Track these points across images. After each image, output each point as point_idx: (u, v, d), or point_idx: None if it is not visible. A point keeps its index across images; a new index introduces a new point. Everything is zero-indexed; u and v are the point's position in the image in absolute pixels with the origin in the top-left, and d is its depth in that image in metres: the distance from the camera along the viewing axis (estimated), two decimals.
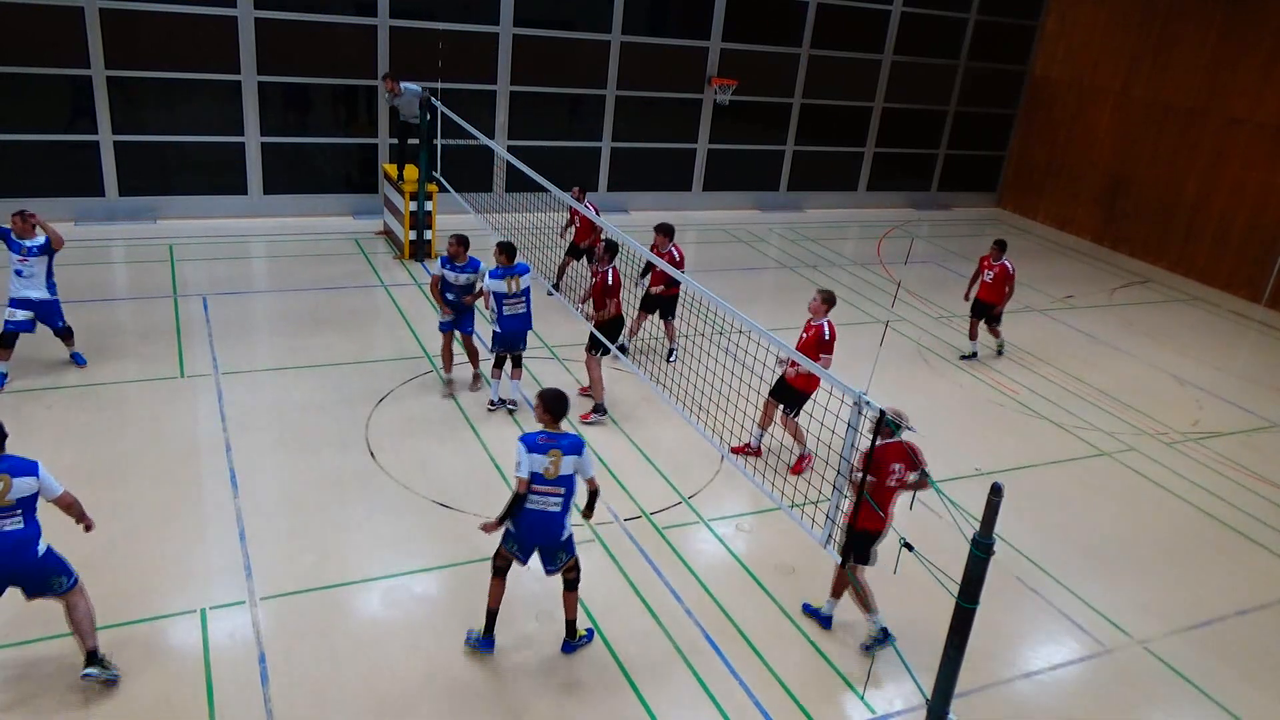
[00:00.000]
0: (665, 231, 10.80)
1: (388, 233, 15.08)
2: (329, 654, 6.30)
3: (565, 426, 6.22)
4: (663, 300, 11.09)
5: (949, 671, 4.82)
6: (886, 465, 6.29)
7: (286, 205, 15.63)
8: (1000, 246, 12.23)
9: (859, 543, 6.32)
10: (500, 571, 6.30)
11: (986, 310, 12.25)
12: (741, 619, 7.05)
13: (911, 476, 6.40)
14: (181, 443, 8.60)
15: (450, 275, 9.58)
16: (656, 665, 6.51)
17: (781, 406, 8.93)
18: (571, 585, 6.37)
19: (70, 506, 5.71)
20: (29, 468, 5.44)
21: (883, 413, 5.57)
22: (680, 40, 17.82)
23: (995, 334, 12.57)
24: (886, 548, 6.39)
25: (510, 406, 9.68)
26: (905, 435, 6.23)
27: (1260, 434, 11.34)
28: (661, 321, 11.44)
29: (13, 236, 9.22)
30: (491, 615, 6.35)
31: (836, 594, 6.89)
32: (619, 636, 6.74)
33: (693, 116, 18.31)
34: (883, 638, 6.59)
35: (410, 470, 8.48)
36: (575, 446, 6.03)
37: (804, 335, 8.86)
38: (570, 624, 6.47)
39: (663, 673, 6.46)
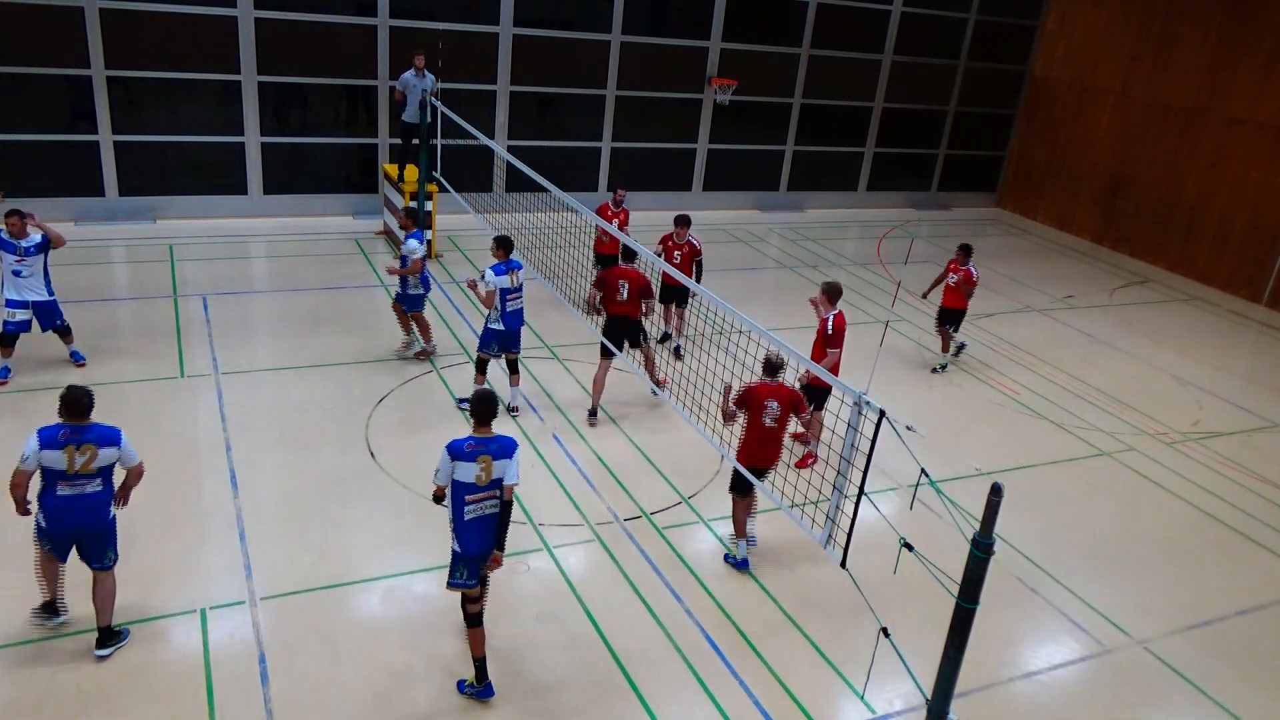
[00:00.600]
0: (683, 222, 11.30)
1: (388, 233, 15.07)
2: (329, 654, 6.30)
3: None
4: (675, 291, 11.27)
5: (949, 671, 4.81)
6: (759, 402, 7.10)
7: (286, 205, 15.62)
8: (966, 251, 11.82)
9: (736, 475, 7.33)
10: (473, 619, 5.95)
11: (955, 317, 11.92)
12: (741, 619, 7.05)
13: (795, 424, 7.07)
14: (181, 443, 8.59)
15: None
16: (656, 665, 6.51)
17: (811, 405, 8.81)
18: (475, 620, 5.96)
19: (138, 477, 6.05)
20: (114, 437, 5.81)
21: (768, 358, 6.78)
22: (680, 40, 17.82)
23: (949, 339, 12.10)
24: (886, 547, 6.38)
25: (513, 413, 9.62)
26: (905, 431, 6.21)
27: (1260, 434, 11.34)
28: (676, 312, 11.55)
29: (6, 237, 9.20)
30: (480, 662, 5.99)
31: (739, 532, 7.60)
32: (619, 636, 6.74)
33: (693, 116, 18.31)
34: (741, 564, 7.50)
35: (410, 470, 8.48)
36: (505, 450, 5.73)
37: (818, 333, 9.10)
38: (480, 663, 6.00)
39: (663, 673, 6.46)
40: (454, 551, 5.82)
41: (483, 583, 5.99)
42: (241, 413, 9.21)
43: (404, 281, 10.37)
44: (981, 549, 4.56)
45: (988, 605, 4.95)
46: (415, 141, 13.93)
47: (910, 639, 6.30)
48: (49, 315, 9.52)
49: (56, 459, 5.62)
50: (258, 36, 14.61)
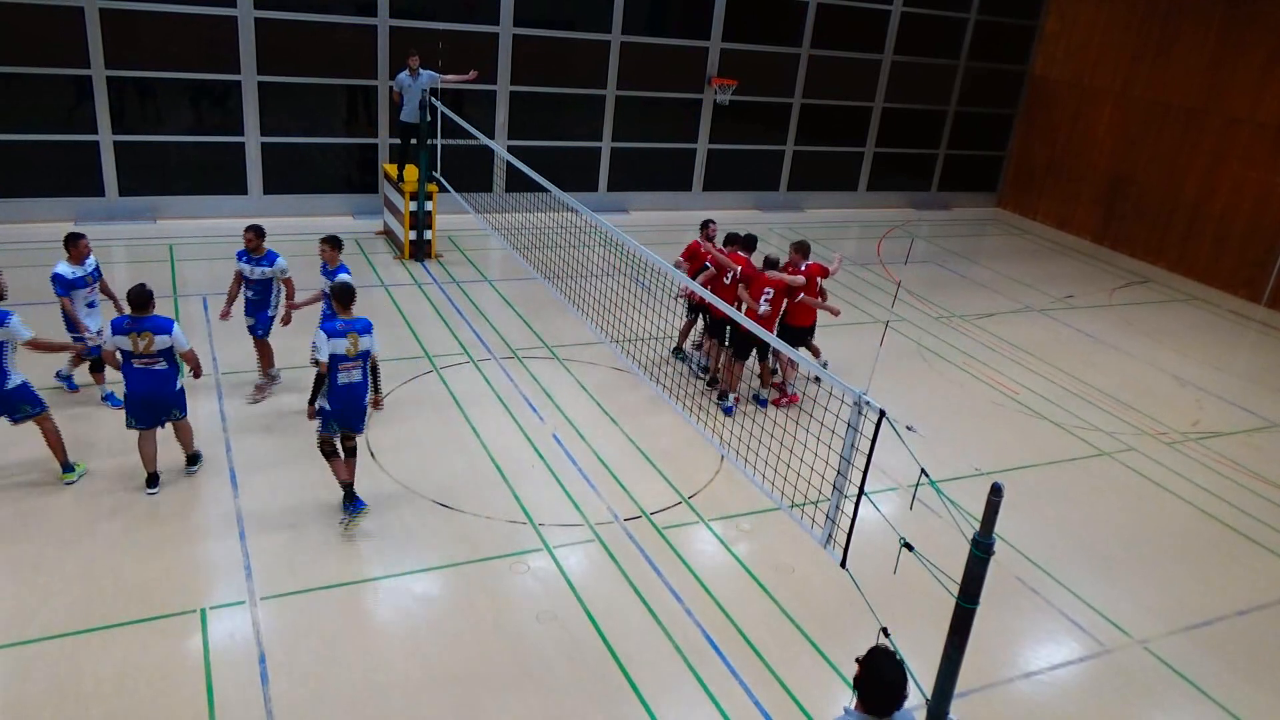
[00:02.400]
0: (802, 250, 10.43)
1: (388, 233, 15.08)
2: (329, 654, 6.30)
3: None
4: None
5: (949, 671, 4.81)
6: (759, 289, 9.40)
7: (286, 205, 15.62)
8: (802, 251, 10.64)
9: (734, 338, 9.49)
10: (331, 454, 7.52)
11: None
12: (741, 619, 7.05)
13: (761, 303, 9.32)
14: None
15: (245, 269, 9.31)
16: (656, 665, 6.52)
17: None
18: (351, 453, 7.61)
19: (193, 360, 7.78)
20: (167, 326, 7.43)
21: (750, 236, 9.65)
22: (680, 40, 17.82)
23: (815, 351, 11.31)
24: (886, 547, 6.39)
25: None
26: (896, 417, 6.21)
27: (1260, 434, 11.34)
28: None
29: (74, 270, 8.61)
30: (346, 485, 7.55)
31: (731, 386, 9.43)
32: (619, 636, 6.74)
33: (693, 116, 18.30)
34: (727, 410, 9.57)
35: (410, 470, 8.48)
36: (367, 328, 7.35)
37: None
38: (348, 487, 7.57)
39: (663, 673, 6.46)
40: (323, 413, 7.34)
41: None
42: (241, 413, 9.21)
43: (265, 306, 9.44)
44: (981, 549, 4.56)
45: (988, 605, 4.95)
46: (414, 141, 13.94)
47: (910, 639, 6.30)
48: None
49: (124, 342, 7.38)
50: (258, 36, 14.61)
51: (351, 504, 7.55)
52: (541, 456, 8.99)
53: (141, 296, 7.34)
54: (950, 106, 20.76)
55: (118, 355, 7.47)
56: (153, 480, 7.81)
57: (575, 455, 9.06)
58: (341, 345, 7.18)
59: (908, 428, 5.46)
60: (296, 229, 15.21)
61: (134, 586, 6.72)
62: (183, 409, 7.80)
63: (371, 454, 8.72)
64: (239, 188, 15.31)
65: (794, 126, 19.30)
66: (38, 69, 13.76)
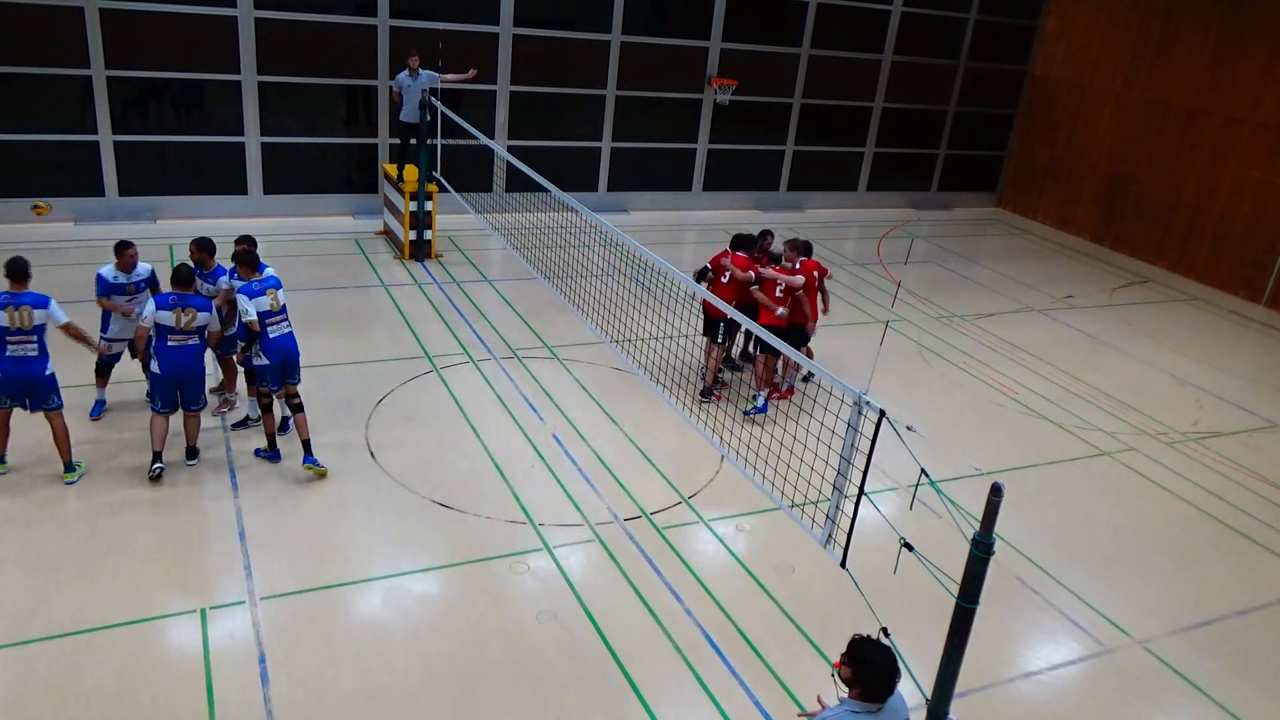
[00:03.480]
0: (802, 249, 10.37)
1: (388, 233, 15.08)
2: (329, 654, 6.30)
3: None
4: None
5: (949, 671, 4.81)
6: (718, 263, 9.99)
7: (286, 205, 15.62)
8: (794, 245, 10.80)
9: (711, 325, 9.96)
10: (270, 408, 8.09)
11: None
12: (741, 619, 7.05)
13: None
14: (181, 442, 8.57)
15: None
16: (656, 665, 6.52)
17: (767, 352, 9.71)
18: (299, 408, 8.05)
19: (217, 338, 8.34)
20: (206, 305, 7.84)
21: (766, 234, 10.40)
22: (680, 40, 17.82)
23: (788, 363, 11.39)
24: (886, 547, 6.39)
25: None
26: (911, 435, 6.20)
27: (1260, 434, 11.34)
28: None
29: (119, 275, 8.55)
30: (271, 438, 8.29)
31: (760, 384, 9.84)
32: (619, 636, 6.74)
33: (693, 116, 18.30)
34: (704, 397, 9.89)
35: (410, 470, 8.48)
36: (278, 283, 7.86)
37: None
38: (306, 443, 8.10)
39: (663, 673, 6.46)
40: (261, 369, 7.93)
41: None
42: (241, 412, 9.20)
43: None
44: (981, 549, 4.56)
45: (988, 605, 4.95)
46: (414, 141, 13.94)
47: (910, 639, 6.29)
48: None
49: (167, 318, 7.63)
50: (258, 36, 14.61)
51: (308, 456, 8.11)
52: (541, 456, 8.99)
53: (185, 274, 7.76)
54: (950, 106, 20.76)
55: (152, 332, 7.69)
56: (157, 459, 7.96)
57: (575, 455, 9.06)
58: (265, 302, 7.73)
59: (908, 428, 5.45)
60: (296, 229, 15.22)
61: (134, 586, 6.72)
62: (202, 398, 8.10)
63: (371, 454, 8.72)
64: (239, 188, 15.31)
65: (794, 126, 19.30)
66: (38, 69, 13.76)
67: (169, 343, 7.68)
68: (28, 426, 8.10)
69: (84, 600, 6.54)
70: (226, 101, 14.87)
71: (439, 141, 14.27)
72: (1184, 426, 11.27)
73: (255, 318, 7.72)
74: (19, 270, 7.57)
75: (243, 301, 7.70)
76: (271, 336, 7.81)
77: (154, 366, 7.77)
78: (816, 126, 19.52)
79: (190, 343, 7.79)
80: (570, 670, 6.40)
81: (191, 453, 8.25)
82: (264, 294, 7.78)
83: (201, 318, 7.78)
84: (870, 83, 19.71)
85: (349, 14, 15.22)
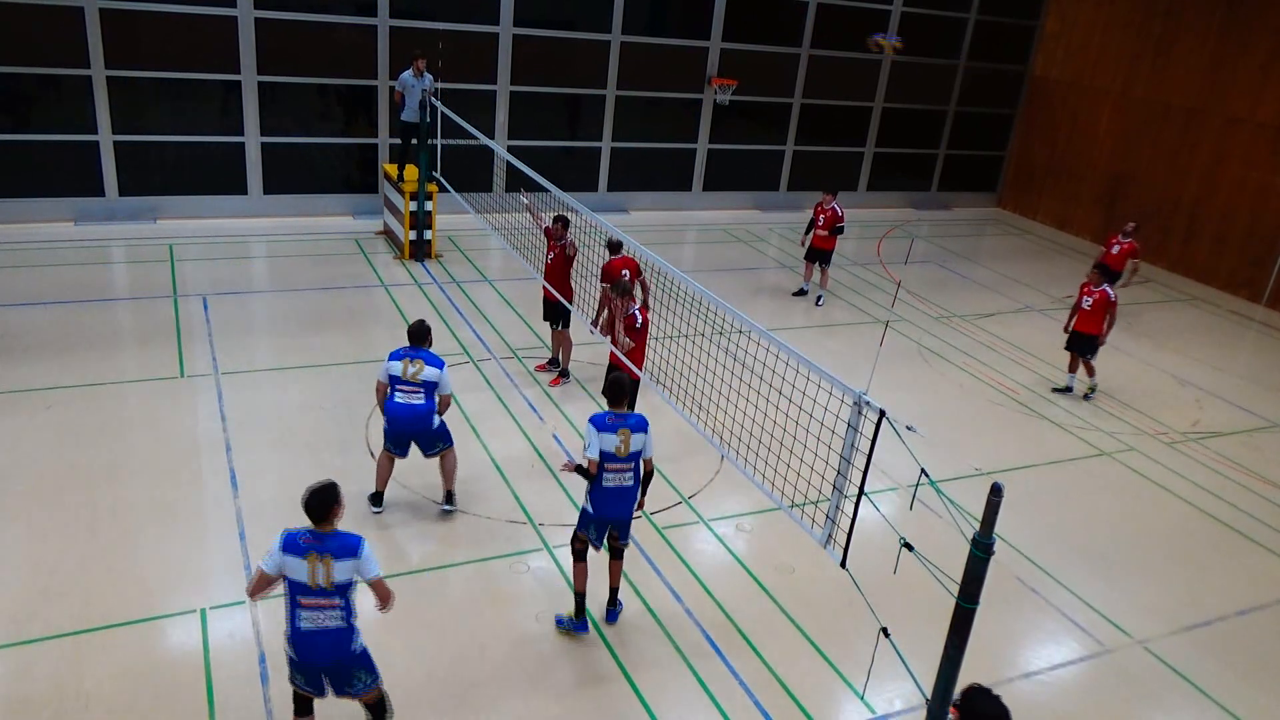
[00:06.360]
0: (831, 191, 13.76)
1: (388, 233, 15.08)
2: None
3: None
4: (823, 252, 13.88)
5: (949, 671, 4.80)
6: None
7: (286, 205, 15.62)
8: (1102, 272, 11.92)
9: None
10: (581, 555, 6.63)
11: (1088, 344, 11.72)
12: (741, 619, 7.05)
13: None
14: (181, 443, 8.59)
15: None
16: (656, 665, 6.52)
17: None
18: (618, 554, 6.78)
19: (445, 404, 7.67)
20: (438, 363, 7.49)
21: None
22: (680, 40, 17.82)
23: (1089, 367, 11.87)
24: (886, 547, 6.39)
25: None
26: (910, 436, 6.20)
27: (1260, 434, 11.34)
28: (820, 270, 14.05)
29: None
30: (580, 598, 6.67)
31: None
32: (619, 636, 6.73)
33: (693, 116, 18.30)
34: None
35: (410, 470, 8.47)
36: (641, 425, 6.42)
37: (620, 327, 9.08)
38: (614, 592, 6.89)
39: (663, 673, 6.46)
40: (584, 513, 6.56)
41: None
42: (241, 413, 9.21)
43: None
44: (981, 549, 4.56)
45: (988, 605, 4.95)
46: (414, 141, 13.94)
47: (910, 639, 6.29)
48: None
49: (396, 368, 7.42)
50: (258, 36, 14.61)
51: (613, 607, 6.90)
52: (541, 456, 8.99)
53: (420, 331, 7.55)
54: (950, 106, 20.76)
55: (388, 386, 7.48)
56: (376, 499, 7.92)
57: (575, 455, 9.06)
58: (611, 442, 6.34)
59: (908, 427, 5.44)
60: (296, 229, 15.23)
61: (134, 586, 6.72)
62: (446, 440, 7.74)
63: (372, 454, 8.72)
64: (239, 188, 15.31)
65: (794, 126, 19.30)
66: (38, 69, 13.76)
67: (397, 394, 7.47)
68: (26, 430, 8.10)
69: (84, 600, 6.54)
70: (226, 101, 14.87)
71: (439, 141, 14.27)
72: (1184, 426, 11.27)
73: (596, 457, 6.35)
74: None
75: (589, 432, 6.37)
76: (606, 485, 6.46)
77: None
78: (816, 126, 19.52)
79: (414, 401, 7.47)
80: (570, 670, 6.40)
81: (448, 498, 8.00)
82: (614, 432, 6.36)
83: (429, 373, 7.43)
84: (870, 83, 19.71)
85: (349, 14, 15.22)
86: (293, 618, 4.98)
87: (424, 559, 7.39)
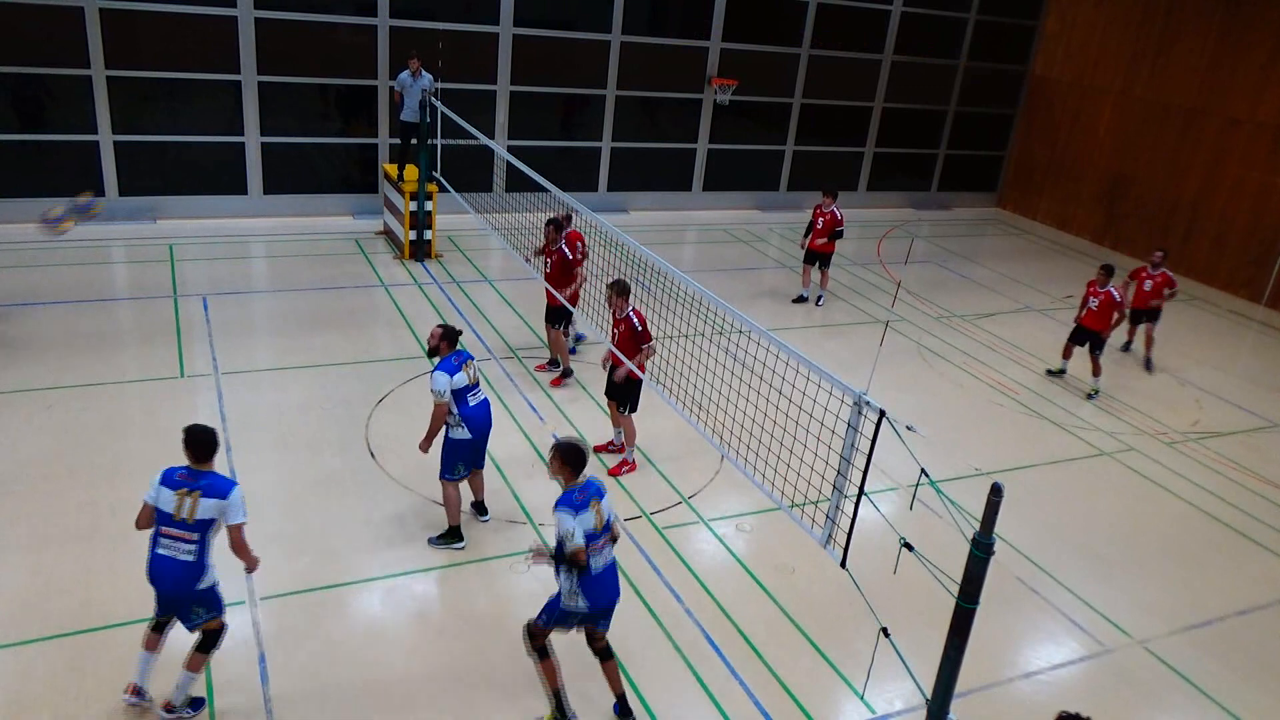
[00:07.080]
0: (831, 192, 13.69)
1: (388, 233, 15.08)
2: (329, 654, 6.29)
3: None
4: (822, 255, 13.87)
5: (949, 671, 4.81)
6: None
7: (286, 205, 15.62)
8: (1107, 272, 11.98)
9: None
10: (545, 652, 5.82)
11: (1094, 339, 11.82)
12: (741, 619, 7.05)
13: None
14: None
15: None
16: (656, 665, 6.52)
17: (621, 406, 8.95)
18: (608, 654, 5.91)
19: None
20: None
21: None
22: (680, 40, 17.82)
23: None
24: (886, 547, 6.39)
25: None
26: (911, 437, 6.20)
27: (1260, 434, 11.34)
28: (820, 271, 14.05)
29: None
30: (559, 695, 5.91)
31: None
32: (619, 636, 6.72)
33: (693, 116, 18.30)
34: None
35: (410, 470, 8.47)
36: (600, 490, 5.68)
37: (616, 331, 8.89)
38: (622, 699, 6.05)
39: (663, 673, 6.46)
40: (562, 608, 5.66)
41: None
42: (241, 413, 9.21)
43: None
44: (981, 549, 4.56)
45: (988, 605, 4.95)
46: (414, 141, 13.94)
47: (910, 639, 6.30)
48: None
49: (461, 379, 7.20)
50: (258, 36, 14.61)
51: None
52: (541, 457, 8.99)
53: (450, 334, 7.32)
54: (950, 106, 20.76)
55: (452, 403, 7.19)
56: (479, 509, 7.93)
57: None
58: (589, 520, 5.52)
59: (908, 427, 5.44)
60: (297, 229, 15.22)
61: (134, 586, 6.70)
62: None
63: (372, 454, 8.72)
64: (239, 188, 15.31)
65: (794, 126, 19.29)
66: (38, 69, 13.75)
67: (469, 401, 7.31)
68: (21, 435, 8.10)
69: (84, 600, 6.53)
70: (226, 101, 14.87)
71: (439, 141, 14.27)
72: (1184, 426, 11.27)
73: (582, 543, 5.47)
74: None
75: (564, 518, 5.48)
76: (593, 569, 5.61)
77: (463, 433, 7.30)
78: (816, 126, 19.51)
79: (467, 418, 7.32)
80: (570, 670, 6.39)
81: (480, 508, 7.96)
82: (587, 507, 5.58)
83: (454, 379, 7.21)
84: (870, 83, 19.71)
85: (349, 14, 15.22)
86: (153, 544, 5.35)
87: (424, 559, 7.39)
